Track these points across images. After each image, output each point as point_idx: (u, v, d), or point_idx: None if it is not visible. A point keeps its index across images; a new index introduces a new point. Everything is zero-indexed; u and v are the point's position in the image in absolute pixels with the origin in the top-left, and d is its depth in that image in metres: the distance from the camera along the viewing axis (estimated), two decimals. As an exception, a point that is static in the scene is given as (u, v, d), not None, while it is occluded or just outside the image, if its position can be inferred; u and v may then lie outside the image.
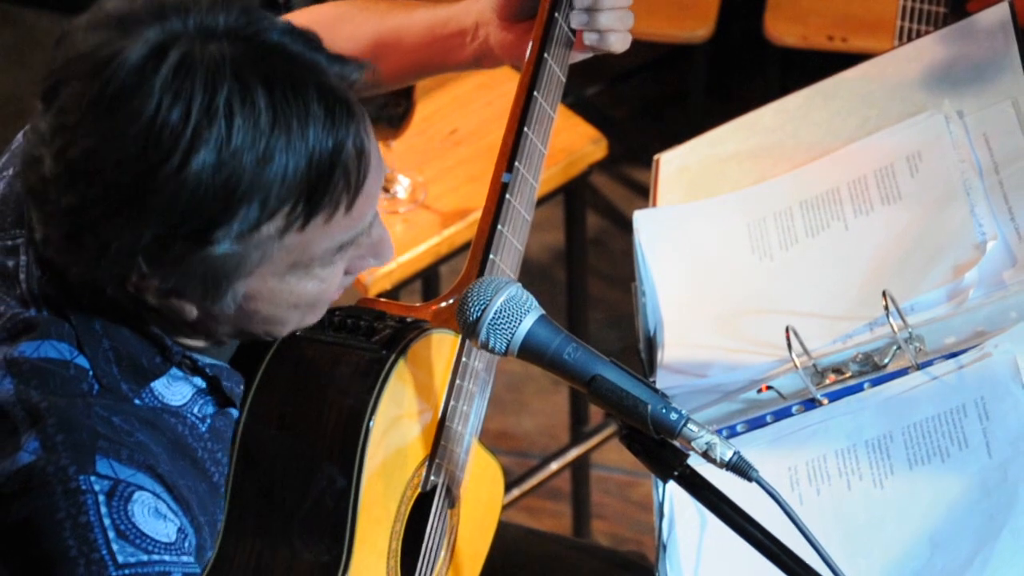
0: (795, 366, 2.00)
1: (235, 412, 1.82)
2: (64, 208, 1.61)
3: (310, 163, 1.61)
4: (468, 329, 1.71)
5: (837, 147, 2.26)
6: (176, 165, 1.57)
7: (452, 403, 1.93)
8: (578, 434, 3.56)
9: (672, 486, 1.83)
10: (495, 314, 1.69)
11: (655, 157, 2.40)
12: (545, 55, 1.97)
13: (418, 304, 2.00)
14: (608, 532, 3.66)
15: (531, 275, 3.85)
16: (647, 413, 1.66)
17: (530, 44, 1.99)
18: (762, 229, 2.22)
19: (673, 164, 2.37)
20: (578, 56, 2.04)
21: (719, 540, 1.91)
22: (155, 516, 1.66)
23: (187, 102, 1.57)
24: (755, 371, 2.08)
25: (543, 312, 1.71)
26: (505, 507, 2.21)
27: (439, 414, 1.93)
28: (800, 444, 1.99)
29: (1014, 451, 1.87)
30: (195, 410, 1.78)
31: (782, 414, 2.03)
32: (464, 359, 1.94)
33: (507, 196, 1.95)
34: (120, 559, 1.62)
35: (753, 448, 1.98)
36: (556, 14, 1.98)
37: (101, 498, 1.63)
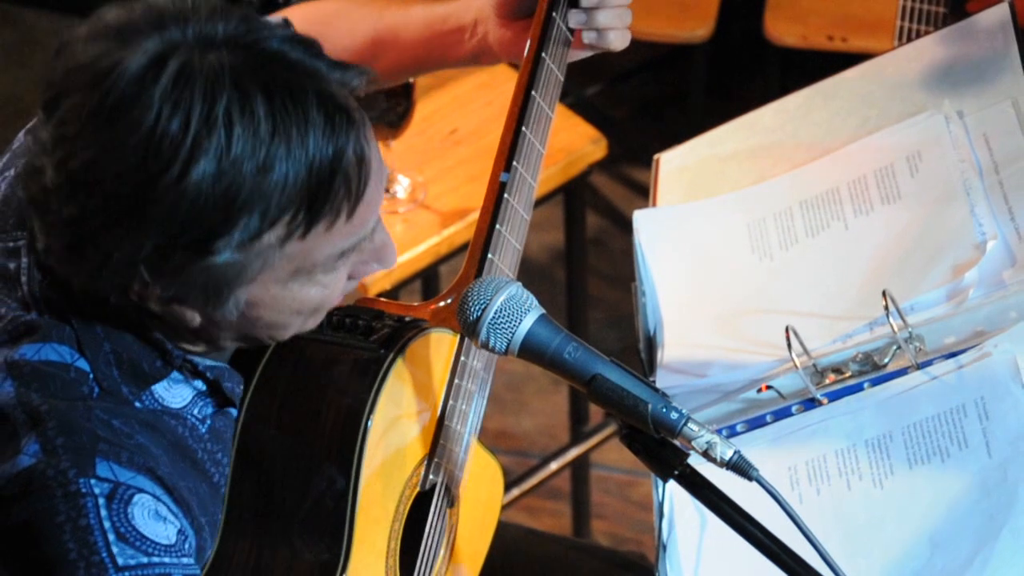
0: (795, 366, 2.00)
1: (235, 412, 1.82)
2: (65, 219, 1.61)
3: (310, 171, 1.61)
4: (468, 328, 1.71)
5: (837, 147, 2.26)
6: (176, 175, 1.57)
7: (451, 402, 1.93)
8: (578, 434, 3.56)
9: (672, 485, 1.83)
10: (495, 313, 1.69)
11: (655, 157, 2.40)
12: (543, 54, 1.97)
13: (416, 303, 2.00)
14: (608, 532, 3.66)
15: (531, 275, 3.85)
16: (647, 412, 1.66)
17: (528, 43, 1.99)
18: (762, 229, 2.22)
19: (673, 164, 2.37)
20: (578, 55, 2.04)
21: (719, 540, 1.91)
22: (155, 518, 1.66)
23: (186, 112, 1.57)
24: (755, 371, 2.08)
25: (543, 311, 1.71)
26: (505, 507, 2.21)
27: (438, 413, 1.93)
28: (800, 444, 1.99)
29: (1014, 451, 1.87)
30: (195, 411, 1.78)
31: (782, 414, 2.03)
32: (463, 358, 1.94)
33: (505, 196, 1.95)
34: (120, 561, 1.62)
35: (753, 448, 1.98)
36: (554, 14, 1.98)
37: (101, 501, 1.63)
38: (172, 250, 1.60)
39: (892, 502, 1.90)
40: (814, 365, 2.04)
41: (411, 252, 2.96)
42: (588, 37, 2.01)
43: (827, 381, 2.03)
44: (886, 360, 2.01)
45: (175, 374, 1.75)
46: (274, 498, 1.81)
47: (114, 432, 1.67)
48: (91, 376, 1.70)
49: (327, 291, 1.72)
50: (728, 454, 1.65)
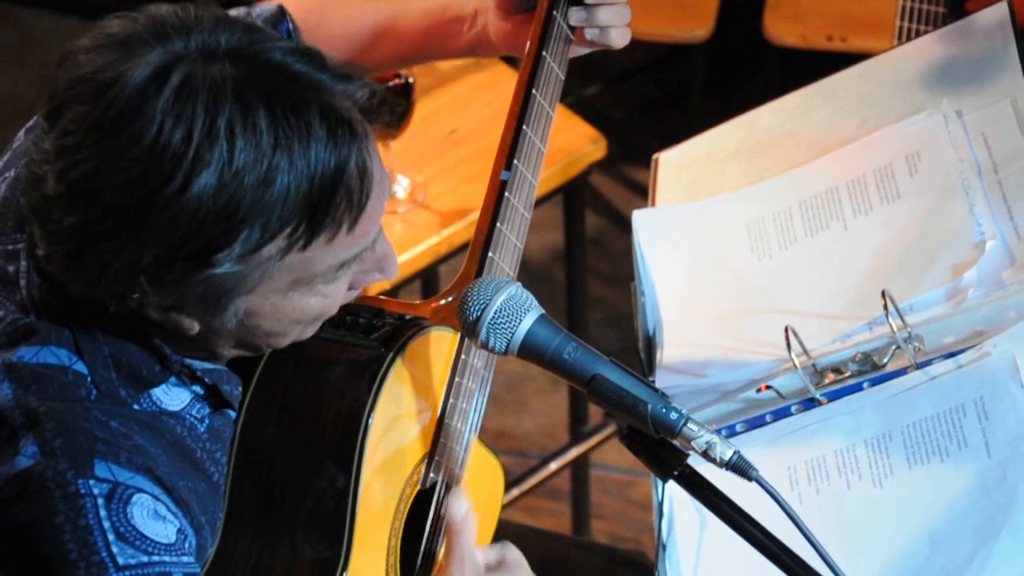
0: (794, 366, 2.00)
1: (233, 413, 1.82)
2: (66, 228, 1.61)
3: (312, 184, 1.61)
4: (468, 328, 1.71)
5: (836, 147, 2.26)
6: (177, 187, 1.57)
7: (451, 400, 1.93)
8: (577, 434, 3.56)
9: (672, 485, 1.83)
10: (495, 313, 1.69)
11: (654, 157, 2.40)
12: (544, 53, 1.97)
13: (417, 302, 2.00)
14: (607, 531, 3.66)
15: (530, 275, 3.85)
16: (647, 412, 1.66)
17: (528, 42, 1.99)
18: (761, 229, 2.22)
19: (672, 164, 2.37)
20: (578, 51, 2.04)
21: (719, 540, 1.91)
22: (154, 518, 1.66)
23: (189, 124, 1.57)
24: (754, 371, 2.08)
25: (543, 311, 1.71)
26: (504, 507, 2.21)
27: (438, 412, 1.93)
28: (799, 443, 1.99)
29: (1013, 451, 1.87)
30: (193, 412, 1.78)
31: (781, 413, 2.03)
32: (463, 356, 1.94)
33: (506, 194, 1.95)
34: (120, 561, 1.62)
35: (752, 448, 1.98)
36: (554, 12, 1.98)
37: (100, 501, 1.63)
38: (172, 261, 1.60)
39: (891, 502, 1.90)
40: (813, 365, 2.03)
41: (411, 252, 2.96)
42: (590, 34, 2.01)
43: (826, 381, 2.03)
44: (885, 360, 2.01)
45: (173, 378, 1.75)
46: (275, 496, 1.81)
47: (112, 433, 1.67)
48: (89, 379, 1.70)
49: (327, 301, 1.72)
50: (727, 454, 1.65)
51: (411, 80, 2.89)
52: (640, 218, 2.27)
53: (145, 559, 1.63)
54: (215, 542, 1.79)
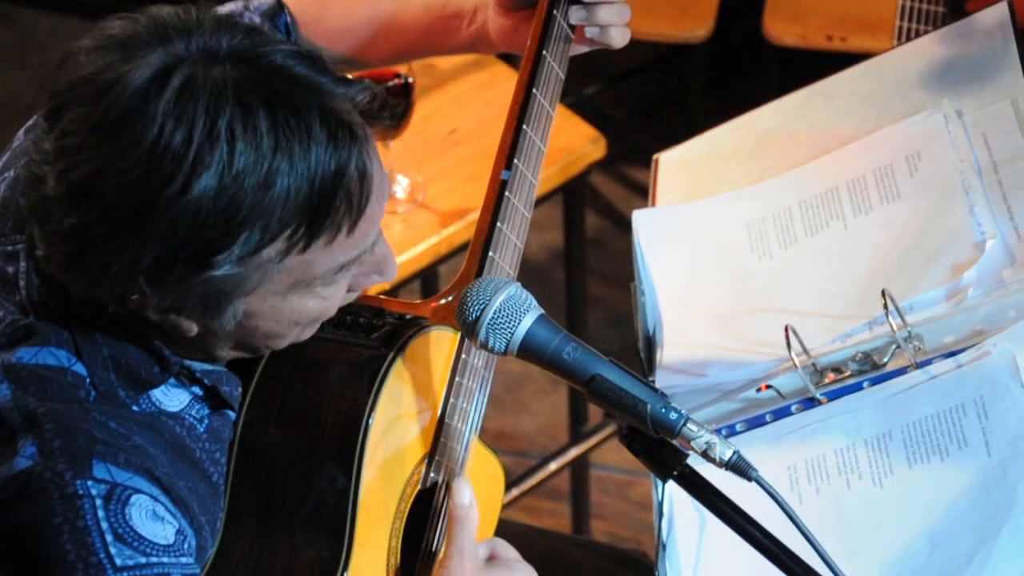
0: (794, 365, 2.00)
1: (232, 414, 1.82)
2: (66, 229, 1.61)
3: (312, 186, 1.61)
4: (467, 329, 1.71)
5: (836, 146, 2.26)
6: (177, 189, 1.57)
7: (452, 400, 1.93)
8: (577, 434, 3.56)
9: (671, 486, 1.83)
10: (494, 314, 1.69)
11: (654, 157, 2.40)
12: (544, 52, 1.97)
13: (417, 301, 2.00)
14: (607, 531, 3.66)
15: (530, 275, 3.85)
16: (646, 412, 1.66)
17: (527, 39, 1.99)
18: (761, 228, 2.22)
19: (672, 164, 2.37)
20: (578, 49, 2.04)
21: (719, 540, 1.91)
22: (153, 519, 1.66)
23: (189, 126, 1.57)
24: (754, 370, 2.08)
25: (542, 311, 1.71)
26: (504, 507, 2.21)
27: (439, 411, 1.93)
28: (799, 443, 1.99)
29: (1013, 450, 1.87)
30: (192, 412, 1.78)
31: (781, 413, 2.03)
32: (464, 356, 1.94)
33: (506, 193, 1.95)
34: (118, 562, 1.62)
35: (752, 447, 1.98)
36: (555, 11, 1.98)
37: (98, 502, 1.63)
38: (172, 262, 1.60)
39: (891, 501, 1.90)
40: (813, 364, 2.03)
41: (410, 252, 2.96)
42: (590, 32, 2.01)
43: (826, 380, 2.03)
44: (885, 359, 2.01)
45: (172, 380, 1.75)
46: (275, 497, 1.81)
47: (111, 433, 1.67)
48: (88, 380, 1.70)
49: (326, 303, 1.73)
50: (727, 454, 1.65)
51: (411, 80, 2.89)
52: (640, 218, 2.27)
53: (143, 560, 1.63)
54: (215, 542, 1.79)
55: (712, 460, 1.66)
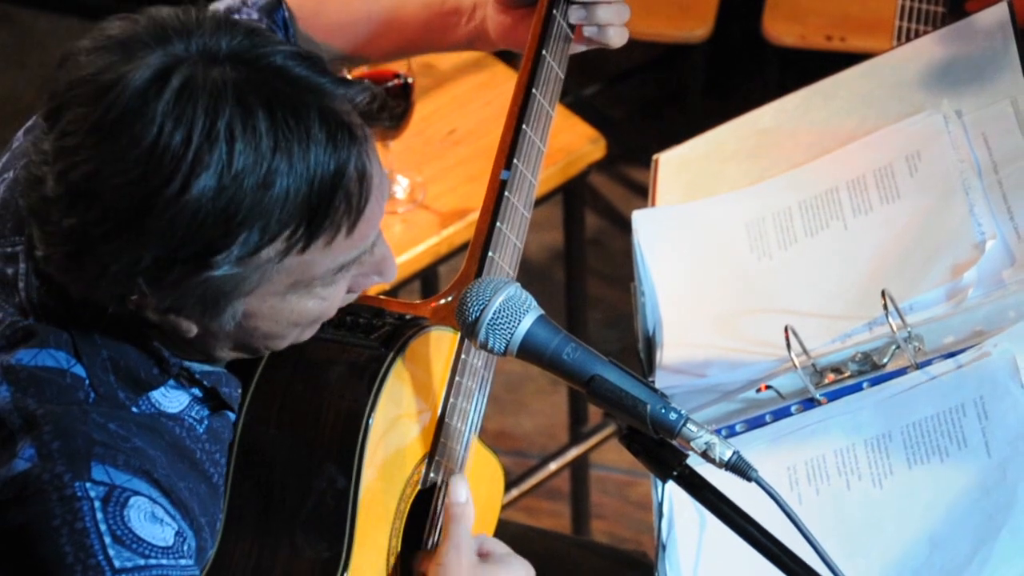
0: (794, 365, 2.00)
1: (232, 415, 1.82)
2: (65, 229, 1.61)
3: (311, 187, 1.61)
4: (467, 329, 1.71)
5: (836, 147, 2.26)
6: (177, 190, 1.57)
7: (451, 400, 1.93)
8: (577, 434, 3.56)
9: (671, 486, 1.83)
10: (494, 314, 1.69)
11: (654, 157, 2.40)
12: (543, 52, 1.97)
13: (417, 301, 2.00)
14: (607, 532, 3.66)
15: (530, 275, 3.84)
16: (646, 413, 1.66)
17: (527, 39, 1.99)
18: (761, 229, 2.22)
19: (672, 164, 2.37)
20: (575, 48, 2.04)
21: (719, 540, 1.91)
22: (152, 521, 1.66)
23: (188, 127, 1.57)
24: (754, 371, 2.08)
25: (542, 312, 1.71)
26: (504, 507, 2.21)
27: (438, 411, 1.93)
28: (799, 444, 1.99)
29: (1013, 450, 1.87)
30: (192, 414, 1.78)
31: (781, 414, 2.03)
32: (463, 356, 1.94)
33: (506, 193, 1.95)
34: (117, 564, 1.62)
35: (752, 448, 1.98)
36: (554, 11, 1.98)
37: (97, 504, 1.63)
38: (171, 263, 1.60)
39: (891, 502, 1.90)
40: (813, 365, 2.03)
41: (410, 252, 2.96)
42: (588, 32, 2.01)
43: (826, 381, 2.03)
44: (885, 360, 2.01)
45: (172, 381, 1.75)
46: (275, 497, 1.81)
47: (110, 435, 1.67)
48: (87, 382, 1.70)
49: (325, 303, 1.72)
50: (727, 454, 1.65)
51: (410, 80, 2.89)
52: (640, 218, 2.27)
53: (142, 562, 1.63)
54: (215, 543, 1.79)
55: (712, 460, 1.66)
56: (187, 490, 1.73)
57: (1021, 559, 1.80)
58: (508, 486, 3.40)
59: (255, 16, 1.98)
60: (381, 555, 1.87)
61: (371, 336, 1.87)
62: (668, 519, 1.97)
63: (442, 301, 1.95)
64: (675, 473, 1.68)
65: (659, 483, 1.99)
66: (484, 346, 1.70)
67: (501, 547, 1.89)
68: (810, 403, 2.02)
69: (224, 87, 1.58)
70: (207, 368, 1.78)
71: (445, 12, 2.05)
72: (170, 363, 1.74)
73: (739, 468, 1.65)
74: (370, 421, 1.81)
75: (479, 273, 1.92)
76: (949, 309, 2.03)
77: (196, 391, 1.78)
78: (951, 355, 1.98)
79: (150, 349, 1.73)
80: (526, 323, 1.69)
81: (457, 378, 1.93)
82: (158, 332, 1.71)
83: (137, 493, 1.65)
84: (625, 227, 2.35)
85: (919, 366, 1.99)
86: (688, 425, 1.66)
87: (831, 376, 2.03)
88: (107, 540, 1.62)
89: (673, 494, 1.98)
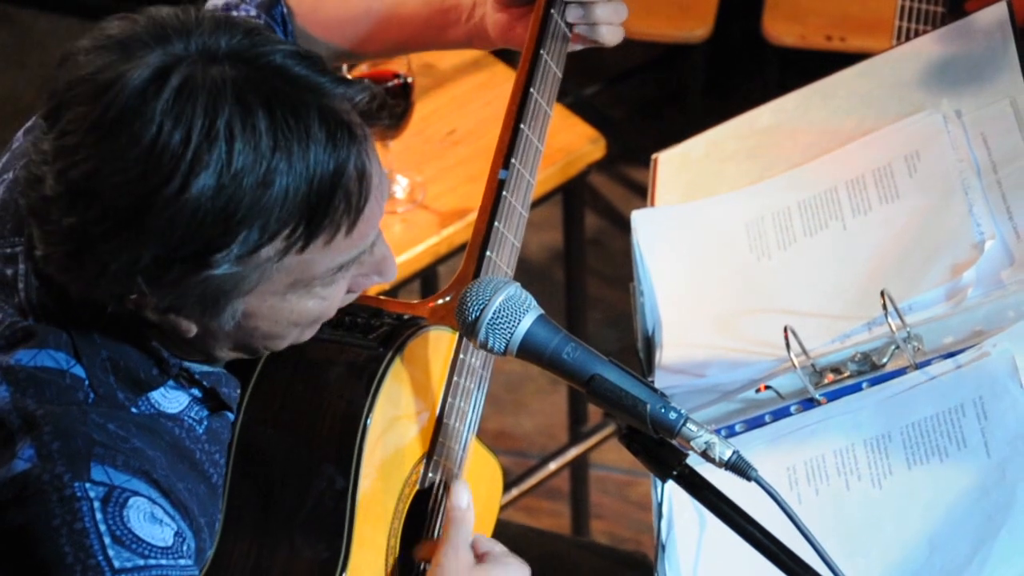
0: (793, 366, 2.00)
1: (231, 416, 1.82)
2: (65, 228, 1.61)
3: (311, 186, 1.61)
4: (467, 329, 1.71)
5: (835, 146, 2.26)
6: (176, 188, 1.57)
7: (450, 400, 1.93)
8: (577, 434, 3.56)
9: (671, 486, 1.83)
10: (494, 313, 1.69)
11: (653, 157, 2.40)
12: (541, 51, 1.97)
13: (415, 301, 2.00)
14: (607, 532, 3.66)
15: (529, 275, 3.84)
16: (646, 412, 1.66)
17: (525, 36, 1.99)
18: (760, 229, 2.22)
19: (671, 164, 2.37)
20: (571, 47, 2.04)
21: (718, 540, 1.91)
22: (151, 521, 1.66)
23: (188, 125, 1.57)
24: (754, 371, 2.08)
25: (542, 312, 1.71)
26: (504, 507, 2.21)
27: (437, 411, 1.93)
28: (799, 444, 1.99)
29: (1012, 450, 1.87)
30: (192, 414, 1.78)
31: (781, 414, 2.03)
32: (461, 356, 1.94)
33: (504, 193, 1.95)
34: (117, 564, 1.62)
35: (752, 448, 1.98)
36: (552, 10, 1.98)
37: (96, 504, 1.63)
38: (170, 262, 1.60)
39: (891, 502, 1.90)
40: (813, 365, 2.03)
41: (410, 252, 2.96)
42: (580, 29, 2.01)
43: (826, 381, 2.03)
44: (884, 360, 2.01)
45: (171, 381, 1.75)
46: (274, 497, 1.81)
47: (110, 436, 1.67)
48: (86, 382, 1.70)
49: (325, 303, 1.72)
50: (727, 454, 1.65)
51: (410, 80, 2.89)
52: (639, 218, 2.27)
53: (141, 562, 1.63)
54: (214, 544, 1.79)
55: (712, 460, 1.66)
56: (186, 491, 1.73)
57: (1020, 559, 1.80)
58: (508, 486, 3.40)
59: (253, 12, 1.99)
60: (380, 555, 1.87)
61: (369, 336, 1.87)
62: (668, 519, 1.97)
63: (440, 301, 1.95)
64: (675, 473, 1.68)
65: (659, 483, 1.99)
66: (484, 346, 1.70)
67: (498, 547, 1.89)
68: (809, 403, 2.02)
69: (223, 86, 1.59)
70: (206, 368, 1.78)
71: (444, 9, 2.05)
72: (170, 363, 1.74)
73: (739, 468, 1.65)
74: (368, 421, 1.81)
75: (477, 273, 1.92)
76: (948, 309, 2.03)
77: (196, 391, 1.78)
78: (950, 355, 1.98)
79: (150, 349, 1.73)
80: (526, 322, 1.69)
81: (455, 378, 1.93)
82: (158, 332, 1.71)
83: (136, 494, 1.65)
84: (625, 227, 2.35)
85: (918, 366, 1.99)
86: (688, 425, 1.66)
87: (830, 376, 2.03)
88: (107, 540, 1.62)
89: (673, 494, 1.98)
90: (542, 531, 2.61)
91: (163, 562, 1.64)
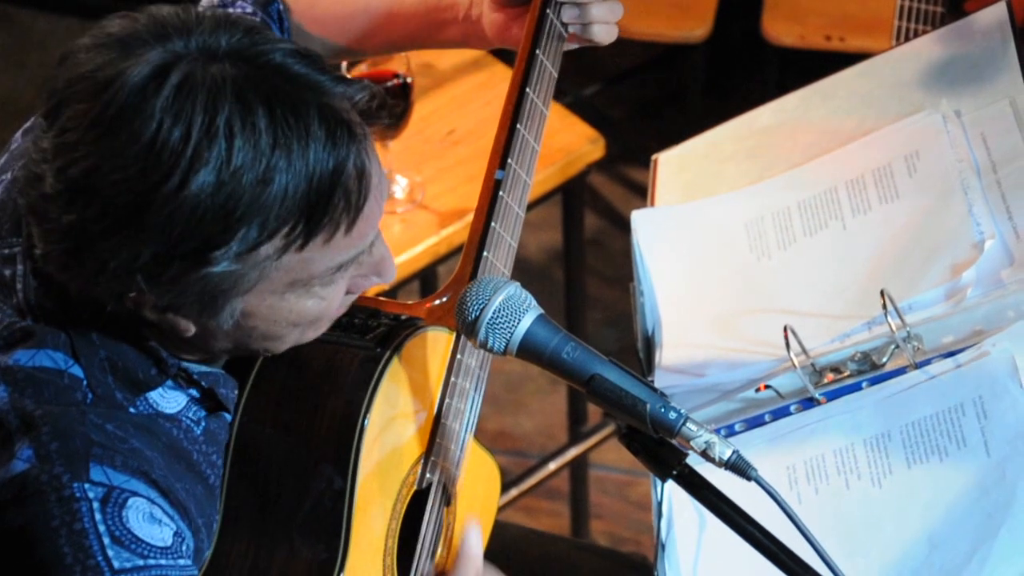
0: (793, 365, 2.00)
1: (229, 416, 1.82)
2: (64, 226, 1.61)
3: (310, 184, 1.61)
4: (467, 328, 1.71)
5: (835, 147, 2.26)
6: (175, 185, 1.57)
7: (447, 400, 1.93)
8: (576, 434, 3.56)
9: (671, 485, 1.83)
10: (494, 313, 1.69)
11: (653, 157, 2.40)
12: (537, 51, 1.97)
13: (412, 302, 2.00)
14: (606, 532, 3.66)
15: (529, 275, 3.85)
16: (646, 412, 1.66)
17: (521, 36, 1.99)
18: (760, 228, 2.22)
19: (671, 164, 2.37)
20: (566, 46, 2.04)
21: (718, 540, 1.91)
22: (150, 521, 1.65)
23: (187, 123, 1.57)
24: (753, 370, 2.08)
25: (542, 311, 1.71)
26: (503, 507, 2.21)
27: (434, 412, 1.93)
28: (798, 443, 1.99)
29: (1012, 450, 1.87)
30: (190, 415, 1.78)
31: (780, 413, 2.03)
32: (459, 356, 1.94)
33: (500, 193, 1.95)
34: (116, 564, 1.62)
35: (751, 447, 1.98)
36: (548, 10, 1.98)
37: (95, 505, 1.63)
38: (170, 259, 1.60)
39: (890, 501, 1.90)
40: (812, 364, 2.03)
41: (409, 252, 2.95)
42: (574, 28, 2.01)
43: (825, 380, 2.03)
44: (884, 359, 2.01)
45: (169, 382, 1.75)
46: (271, 498, 1.81)
47: (108, 436, 1.67)
48: (85, 383, 1.70)
49: (324, 303, 1.72)
50: (727, 454, 1.65)
51: (409, 80, 2.89)
52: (639, 218, 2.27)
53: (141, 563, 1.63)
54: (212, 545, 1.79)
55: (711, 459, 1.65)
56: (184, 491, 1.73)
57: (1020, 558, 1.80)
58: (507, 486, 3.40)
59: (248, 9, 1.99)
60: (377, 555, 1.87)
61: (367, 336, 1.87)
62: (668, 519, 1.97)
63: (437, 301, 1.95)
64: (675, 472, 1.68)
65: (659, 483, 1.99)
66: (484, 345, 1.70)
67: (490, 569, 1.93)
68: (809, 403, 2.02)
69: (223, 84, 1.59)
70: (205, 369, 1.78)
71: (441, 8, 2.05)
72: (168, 363, 1.74)
73: (739, 467, 1.65)
74: (365, 422, 1.81)
75: (474, 274, 1.92)
76: (948, 309, 2.03)
77: (194, 392, 1.78)
78: (950, 354, 1.98)
79: (148, 349, 1.72)
80: (526, 322, 1.69)
81: (453, 378, 1.93)
82: (156, 332, 1.71)
83: (135, 494, 1.65)
84: (624, 227, 2.35)
85: (918, 366, 1.99)
86: (688, 424, 1.66)
87: (830, 376, 2.03)
88: (106, 541, 1.62)
89: (673, 494, 1.98)
90: (542, 533, 2.61)
91: (162, 562, 1.64)
